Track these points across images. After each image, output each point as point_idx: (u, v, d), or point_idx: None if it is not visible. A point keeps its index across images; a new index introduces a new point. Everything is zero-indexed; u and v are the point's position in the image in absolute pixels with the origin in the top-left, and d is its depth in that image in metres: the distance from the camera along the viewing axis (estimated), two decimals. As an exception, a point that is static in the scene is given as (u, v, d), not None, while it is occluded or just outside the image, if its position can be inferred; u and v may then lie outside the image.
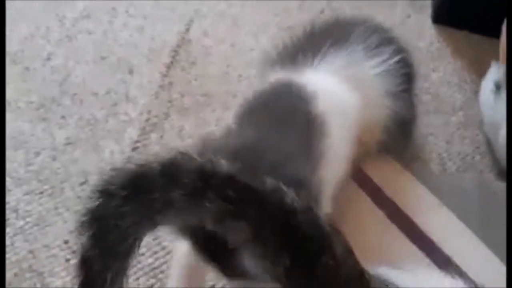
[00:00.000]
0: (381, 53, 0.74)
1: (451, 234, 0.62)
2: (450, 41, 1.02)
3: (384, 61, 0.73)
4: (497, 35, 0.89)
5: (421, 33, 1.05)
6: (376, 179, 0.67)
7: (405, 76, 0.76)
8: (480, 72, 0.93)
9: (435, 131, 0.89)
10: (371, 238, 0.64)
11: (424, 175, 0.69)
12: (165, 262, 0.72)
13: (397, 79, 0.73)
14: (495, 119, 0.77)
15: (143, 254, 0.73)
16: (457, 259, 0.60)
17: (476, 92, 0.92)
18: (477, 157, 0.86)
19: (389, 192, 0.66)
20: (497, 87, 0.78)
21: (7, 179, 0.79)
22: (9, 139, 0.84)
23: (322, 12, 1.06)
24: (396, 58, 0.74)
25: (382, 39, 0.75)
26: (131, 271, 0.71)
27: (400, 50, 0.77)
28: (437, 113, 0.92)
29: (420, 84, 0.94)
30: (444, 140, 0.88)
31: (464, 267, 0.58)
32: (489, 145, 0.85)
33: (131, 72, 0.95)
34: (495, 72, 0.82)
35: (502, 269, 0.56)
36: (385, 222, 0.63)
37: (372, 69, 0.72)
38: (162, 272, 0.71)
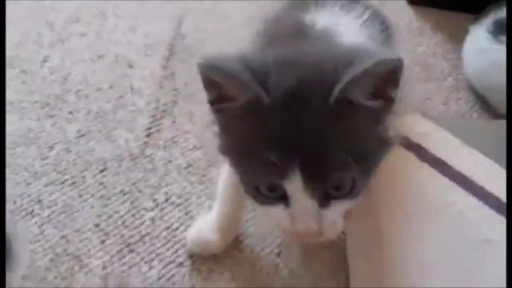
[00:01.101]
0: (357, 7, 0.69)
1: (479, 167, 0.66)
2: (428, 19, 1.09)
3: (362, 13, 0.69)
4: (471, 11, 0.97)
5: (399, 14, 1.11)
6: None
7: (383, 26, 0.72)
8: (461, 41, 1.00)
9: (431, 95, 0.94)
10: (404, 179, 0.67)
11: (441, 121, 0.73)
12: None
13: (378, 29, 0.70)
14: (491, 64, 0.83)
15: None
16: (490, 187, 0.63)
17: (460, 59, 0.99)
18: (474, 114, 0.91)
19: (414, 137, 0.69)
20: (497, 27, 0.84)
21: (24, 173, 0.78)
22: (18, 137, 0.83)
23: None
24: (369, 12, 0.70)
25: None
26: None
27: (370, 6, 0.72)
28: (429, 81, 0.97)
29: (409, 58, 1.00)
30: (441, 102, 0.93)
31: (500, 195, 0.62)
32: (485, 101, 0.91)
33: (131, 66, 0.95)
34: (494, 15, 0.87)
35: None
36: (416, 161, 0.67)
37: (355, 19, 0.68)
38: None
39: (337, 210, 0.51)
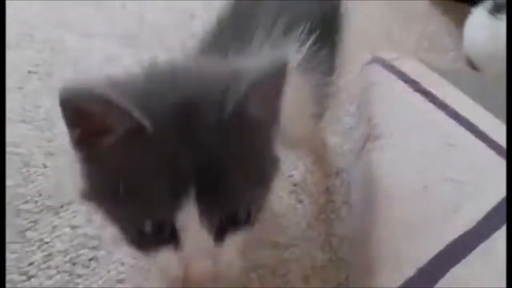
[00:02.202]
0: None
1: (458, 100, 0.85)
2: (438, 6, 1.32)
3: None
4: (473, 3, 1.19)
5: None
6: (401, 68, 0.91)
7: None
8: (463, 25, 1.21)
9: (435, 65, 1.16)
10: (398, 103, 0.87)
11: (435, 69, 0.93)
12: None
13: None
14: (489, 38, 1.05)
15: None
16: (463, 112, 0.83)
17: (462, 38, 1.20)
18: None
19: (411, 74, 0.89)
20: (495, 7, 1.06)
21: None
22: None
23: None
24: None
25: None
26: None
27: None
28: (433, 52, 1.19)
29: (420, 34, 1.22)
30: (443, 70, 1.14)
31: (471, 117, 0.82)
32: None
33: (193, 17, 1.18)
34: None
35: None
36: (408, 90, 0.87)
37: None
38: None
39: (233, 245, 0.45)
